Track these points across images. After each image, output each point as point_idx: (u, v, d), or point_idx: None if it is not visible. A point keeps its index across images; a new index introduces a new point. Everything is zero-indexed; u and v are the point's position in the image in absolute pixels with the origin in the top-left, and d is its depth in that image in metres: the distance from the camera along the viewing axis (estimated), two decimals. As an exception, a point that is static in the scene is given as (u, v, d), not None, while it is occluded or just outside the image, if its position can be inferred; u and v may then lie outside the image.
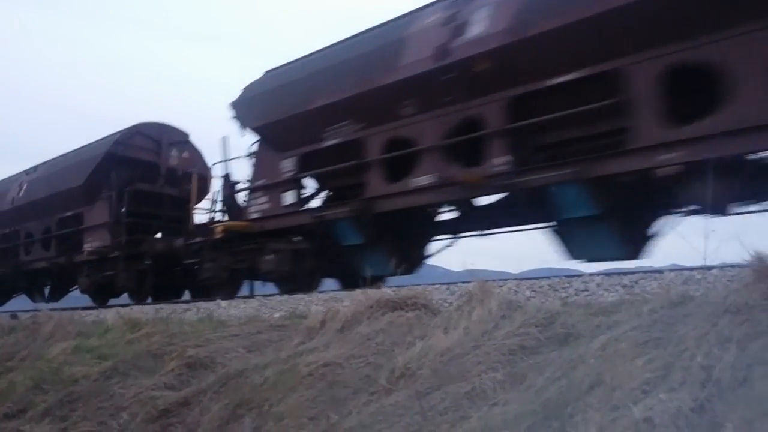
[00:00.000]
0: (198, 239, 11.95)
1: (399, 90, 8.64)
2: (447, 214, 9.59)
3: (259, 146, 11.07)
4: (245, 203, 11.24)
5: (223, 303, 8.62)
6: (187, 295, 14.54)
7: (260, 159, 11.03)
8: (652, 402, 2.49)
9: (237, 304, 8.30)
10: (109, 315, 9.14)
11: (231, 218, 11.36)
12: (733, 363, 2.56)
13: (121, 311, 9.56)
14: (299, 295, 7.80)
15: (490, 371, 3.39)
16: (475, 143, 8.07)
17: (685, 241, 6.64)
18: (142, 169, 14.48)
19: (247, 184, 11.41)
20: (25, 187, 16.94)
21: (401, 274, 8.76)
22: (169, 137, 15.24)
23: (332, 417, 3.76)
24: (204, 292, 12.62)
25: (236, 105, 11.32)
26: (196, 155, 15.57)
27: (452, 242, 9.75)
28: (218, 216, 12.12)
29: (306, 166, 10.27)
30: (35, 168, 17.37)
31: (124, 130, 15.01)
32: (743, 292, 2.97)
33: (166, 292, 13.68)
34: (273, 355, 4.91)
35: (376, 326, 4.71)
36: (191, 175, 13.71)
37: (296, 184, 10.39)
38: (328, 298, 7.05)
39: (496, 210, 8.78)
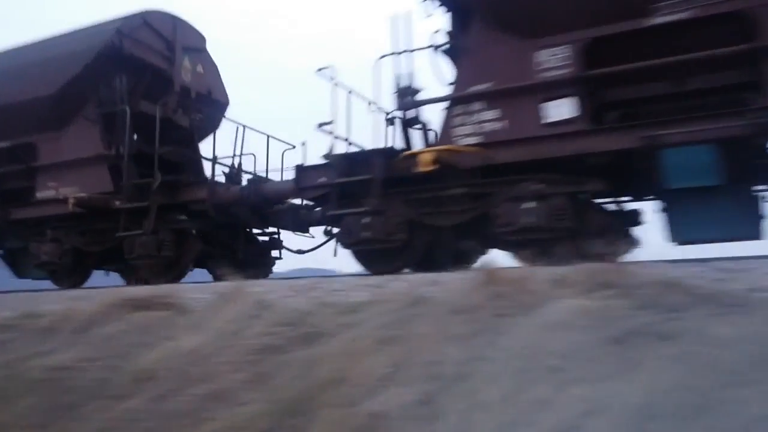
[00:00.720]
0: (337, 179, 7.55)
1: None
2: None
3: (478, 29, 7.02)
4: (445, 121, 7.14)
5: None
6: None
7: (482, 50, 6.94)
8: (384, 397, 2.64)
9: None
10: None
11: (407, 144, 7.61)
12: (457, 359, 2.81)
13: None
14: (37, 293, 7.08)
15: (237, 371, 3.37)
16: None
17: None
18: (148, 81, 9.82)
19: (445, 91, 7.27)
20: None
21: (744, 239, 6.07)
22: (184, 38, 10.39)
23: (63, 424, 3.47)
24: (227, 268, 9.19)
25: None
26: (212, 71, 10.96)
27: None
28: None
29: (594, 59, 6.43)
30: None
31: (126, 16, 9.92)
32: (471, 294, 3.27)
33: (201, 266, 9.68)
34: (-3, 358, 4.41)
35: (119, 327, 4.45)
36: (208, 99, 10.06)
37: (576, 88, 6.47)
38: (71, 297, 6.51)
39: None
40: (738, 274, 3.83)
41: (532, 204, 6.45)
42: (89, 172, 9.37)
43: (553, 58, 6.53)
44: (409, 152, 7.27)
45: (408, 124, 7.58)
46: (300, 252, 8.78)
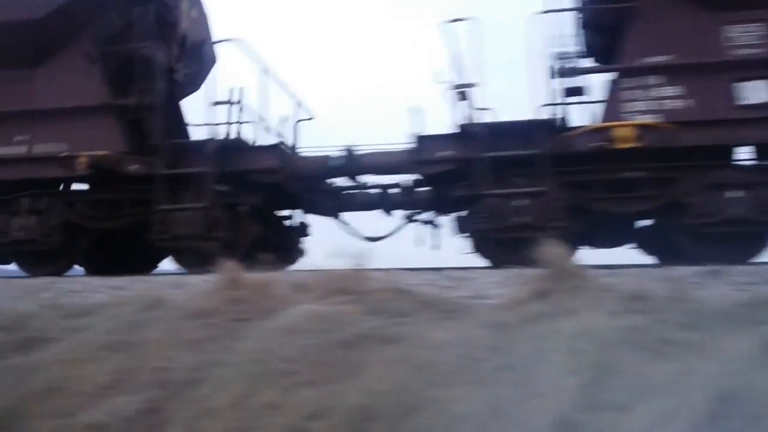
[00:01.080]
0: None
1: None
2: None
3: None
4: (612, 94, 6.22)
5: None
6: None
7: (657, 18, 6.16)
8: (105, 406, 2.49)
9: None
10: None
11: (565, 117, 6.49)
12: (188, 364, 2.75)
13: None
14: None
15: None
16: None
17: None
18: (152, 19, 7.60)
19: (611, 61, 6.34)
20: None
21: None
22: None
23: None
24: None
25: None
26: (204, 20, 8.78)
27: None
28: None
29: None
30: None
31: None
32: (208, 298, 3.22)
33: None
34: None
35: None
36: (199, 51, 8.06)
37: None
38: None
39: None
40: (464, 282, 4.22)
41: (739, 193, 5.79)
42: (87, 125, 7.19)
43: (747, 35, 5.94)
44: (593, 126, 6.32)
45: (568, 93, 6.64)
46: (371, 239, 7.33)
